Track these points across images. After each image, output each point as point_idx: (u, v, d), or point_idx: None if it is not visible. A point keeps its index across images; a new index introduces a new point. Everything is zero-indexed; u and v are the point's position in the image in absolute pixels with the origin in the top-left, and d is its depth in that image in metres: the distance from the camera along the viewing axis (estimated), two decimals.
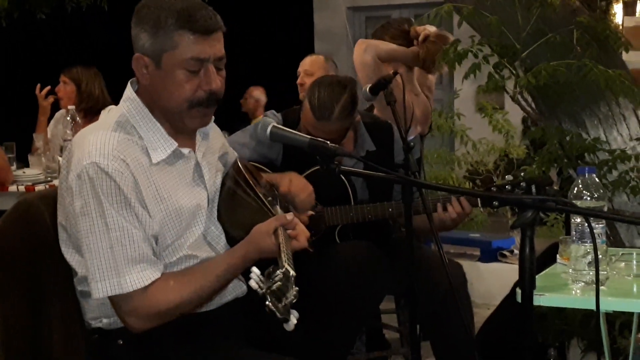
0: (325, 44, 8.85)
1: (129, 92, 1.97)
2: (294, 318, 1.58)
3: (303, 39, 8.79)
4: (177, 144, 1.93)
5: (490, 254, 4.69)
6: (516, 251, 4.70)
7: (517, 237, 4.83)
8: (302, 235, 1.93)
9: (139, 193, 1.84)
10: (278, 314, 1.56)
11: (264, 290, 1.58)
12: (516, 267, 4.66)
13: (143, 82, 1.92)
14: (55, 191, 1.95)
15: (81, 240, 1.83)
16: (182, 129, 1.96)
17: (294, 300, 1.59)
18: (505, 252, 4.70)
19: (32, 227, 1.93)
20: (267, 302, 1.56)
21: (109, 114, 1.99)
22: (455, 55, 2.74)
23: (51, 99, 4.68)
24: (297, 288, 1.61)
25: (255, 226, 1.90)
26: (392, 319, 3.49)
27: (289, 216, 1.91)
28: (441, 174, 5.12)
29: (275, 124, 1.95)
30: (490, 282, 4.29)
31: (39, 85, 4.67)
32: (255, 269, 1.62)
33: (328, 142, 1.89)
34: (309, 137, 1.91)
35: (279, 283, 1.59)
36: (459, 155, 5.31)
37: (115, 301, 1.85)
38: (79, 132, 1.97)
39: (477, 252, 4.76)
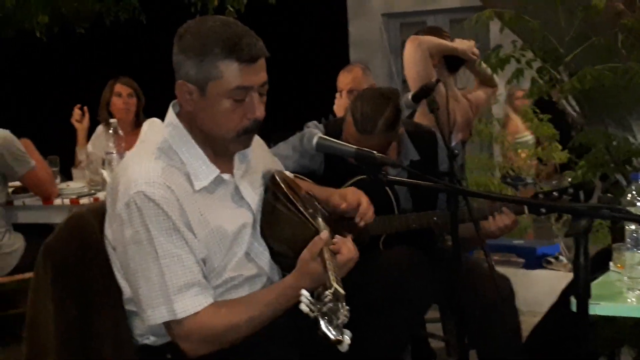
0: (360, 51, 8.84)
1: (171, 116, 1.97)
2: (347, 338, 1.56)
3: (338, 47, 8.79)
4: (219, 171, 1.94)
5: (535, 261, 4.63)
6: (561, 257, 4.64)
7: (561, 243, 4.77)
8: (346, 247, 1.91)
9: (185, 218, 1.85)
10: (332, 337, 1.54)
11: (315, 313, 1.57)
12: (562, 273, 4.62)
13: (187, 108, 1.92)
14: (105, 204, 1.97)
15: (132, 268, 1.85)
16: (222, 153, 1.97)
17: (346, 321, 1.57)
18: (550, 259, 4.64)
19: (84, 241, 1.97)
20: (320, 326, 1.54)
21: (151, 139, 1.98)
22: (497, 60, 2.71)
23: (85, 121, 4.72)
24: (348, 307, 1.59)
25: (299, 250, 1.88)
26: (437, 328, 3.46)
27: (324, 234, 1.89)
28: (482, 179, 5.08)
29: (322, 135, 1.95)
30: (536, 289, 4.23)
31: (77, 112, 4.71)
32: (304, 292, 1.60)
33: (374, 152, 1.88)
34: (355, 147, 1.90)
35: (329, 304, 1.58)
36: (499, 160, 5.27)
37: (169, 327, 1.86)
38: (123, 160, 1.98)
39: (522, 259, 4.70)
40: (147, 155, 1.90)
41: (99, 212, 1.98)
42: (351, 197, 2.18)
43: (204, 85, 1.86)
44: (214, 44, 1.84)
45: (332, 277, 1.70)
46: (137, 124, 4.78)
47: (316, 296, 1.60)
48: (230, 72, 1.84)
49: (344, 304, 1.60)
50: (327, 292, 1.60)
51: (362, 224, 2.15)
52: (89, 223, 1.98)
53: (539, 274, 4.59)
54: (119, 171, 1.92)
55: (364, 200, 2.17)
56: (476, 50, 3.42)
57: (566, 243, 4.79)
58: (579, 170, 3.15)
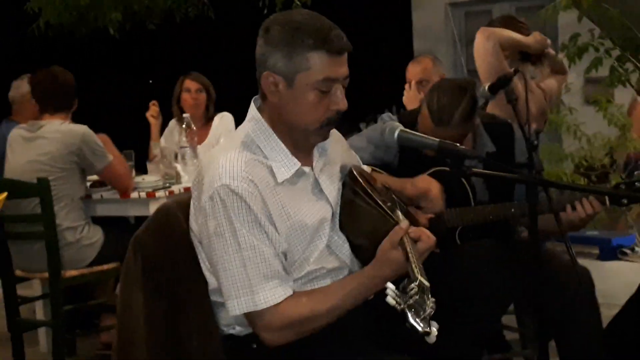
0: (424, 41, 8.78)
1: (253, 111, 2.00)
2: (434, 330, 1.58)
3: (402, 37, 8.74)
4: (300, 164, 1.97)
5: (610, 252, 4.55)
6: (637, 249, 4.55)
7: (637, 234, 4.67)
8: (425, 234, 1.92)
9: (267, 211, 1.89)
10: (420, 329, 1.56)
11: (402, 306, 1.59)
12: (638, 265, 4.51)
13: (272, 100, 1.95)
14: (189, 197, 2.02)
15: (215, 260, 1.89)
16: (303, 146, 1.99)
17: (432, 312, 1.59)
18: (625, 250, 4.55)
19: (172, 233, 2.02)
20: (408, 318, 1.57)
21: (234, 135, 2.03)
22: (576, 49, 2.67)
23: (159, 117, 4.82)
24: (433, 299, 1.61)
25: (380, 244, 1.89)
26: (511, 320, 3.44)
27: (404, 224, 1.90)
28: (552, 170, 5.00)
29: (403, 128, 1.96)
30: (612, 280, 4.15)
31: (152, 108, 4.80)
32: (390, 285, 1.62)
33: (457, 144, 1.88)
34: (438, 140, 1.90)
35: (415, 297, 1.59)
36: (570, 150, 5.17)
37: (250, 317, 1.90)
38: (208, 154, 2.02)
39: (596, 251, 4.62)
40: (231, 149, 1.94)
41: (184, 204, 2.03)
42: (420, 184, 2.18)
43: (293, 77, 1.89)
44: (304, 36, 1.86)
45: (416, 270, 1.71)
46: (208, 119, 4.88)
47: (401, 289, 1.62)
48: (319, 63, 1.87)
49: (430, 295, 1.61)
50: (412, 285, 1.62)
51: (430, 211, 2.13)
52: (176, 216, 2.03)
53: (615, 265, 4.51)
54: (204, 166, 1.96)
55: (434, 187, 2.17)
56: (549, 45, 3.36)
57: None
58: None
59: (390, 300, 1.60)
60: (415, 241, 1.89)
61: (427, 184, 2.19)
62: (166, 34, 6.24)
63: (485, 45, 3.27)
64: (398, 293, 1.61)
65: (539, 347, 2.29)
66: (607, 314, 3.36)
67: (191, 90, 4.84)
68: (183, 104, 4.85)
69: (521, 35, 3.35)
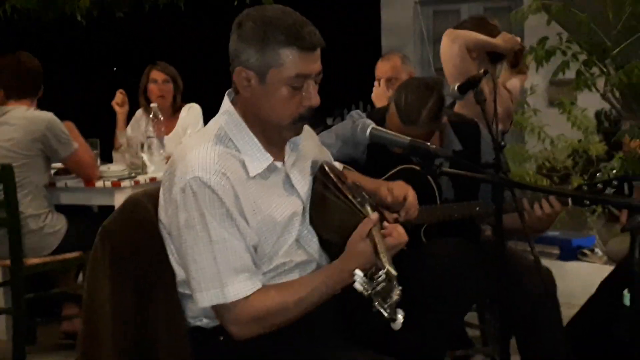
0: (392, 39, 8.82)
1: (226, 105, 2.01)
2: (400, 317, 1.62)
3: (370, 34, 8.78)
4: (272, 159, 1.98)
5: (571, 253, 4.63)
6: (597, 250, 4.63)
7: (597, 235, 4.75)
8: (396, 231, 1.95)
9: (239, 205, 1.89)
10: (385, 314, 1.60)
11: (369, 292, 1.62)
12: (597, 266, 4.59)
13: (244, 95, 1.95)
14: (159, 188, 2.01)
15: (185, 252, 1.89)
16: (275, 141, 2.00)
17: (399, 299, 1.62)
18: (585, 251, 4.63)
19: (141, 224, 2.01)
20: (374, 304, 1.60)
21: (207, 127, 2.02)
22: (543, 52, 2.71)
23: (125, 105, 4.77)
24: (400, 287, 1.64)
25: (348, 238, 1.91)
26: (473, 316, 3.49)
27: (374, 216, 1.92)
28: (516, 171, 5.07)
29: (375, 126, 1.97)
30: (572, 281, 4.22)
31: (119, 96, 4.76)
32: (358, 272, 1.66)
33: (428, 143, 1.90)
34: (409, 138, 1.93)
35: (383, 284, 1.63)
36: (534, 151, 5.24)
37: (218, 310, 1.91)
38: (180, 146, 2.02)
39: (557, 251, 4.70)
40: (204, 142, 1.94)
41: (154, 196, 2.03)
42: (398, 191, 2.21)
43: (265, 72, 1.90)
44: (276, 32, 1.87)
45: (383, 259, 1.74)
46: (175, 109, 4.85)
47: (369, 276, 1.66)
48: (291, 59, 1.88)
49: (397, 284, 1.64)
50: (380, 273, 1.65)
51: (405, 218, 2.16)
52: (145, 207, 2.02)
53: (574, 266, 4.58)
54: (177, 157, 1.96)
55: (411, 195, 2.19)
56: (519, 43, 3.41)
57: (601, 235, 4.78)
58: (615, 162, 3.15)
59: (357, 286, 1.63)
60: (384, 236, 1.91)
61: (403, 192, 2.21)
62: (134, 23, 6.20)
63: (451, 47, 3.31)
64: (366, 280, 1.64)
65: (500, 344, 2.33)
66: (567, 313, 3.42)
67: (158, 81, 4.80)
68: (149, 94, 4.81)
69: (486, 37, 3.39)
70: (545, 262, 4.20)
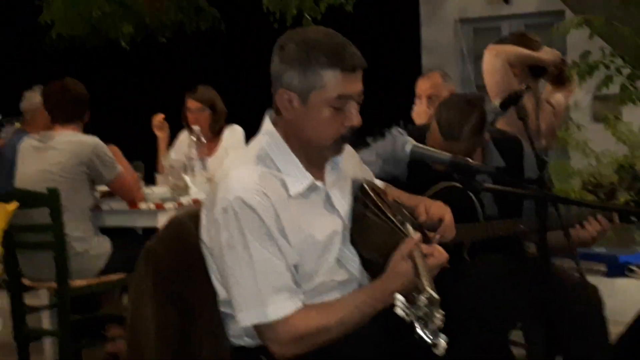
0: (432, 57, 8.80)
1: (267, 125, 2.02)
2: (443, 342, 1.60)
3: (410, 52, 8.77)
4: (312, 178, 1.98)
5: (618, 269, 4.55)
6: None
7: None
8: (437, 250, 1.93)
9: (279, 224, 1.90)
10: (428, 341, 1.58)
11: (411, 318, 1.61)
12: None
13: (287, 116, 1.96)
14: (200, 209, 2.03)
15: (227, 271, 1.91)
16: (316, 161, 2.01)
17: (442, 325, 1.60)
18: (633, 267, 4.55)
19: (184, 245, 2.03)
20: (417, 330, 1.59)
21: (249, 148, 2.04)
22: (586, 66, 2.68)
23: (165, 129, 4.81)
24: (442, 312, 1.62)
25: (389, 257, 1.90)
26: (517, 335, 3.43)
27: (416, 236, 1.91)
28: (560, 187, 5.00)
29: (415, 142, 1.97)
30: (619, 298, 4.14)
31: (157, 120, 4.80)
32: (399, 297, 1.64)
33: (468, 159, 1.89)
34: (450, 155, 1.91)
35: (425, 309, 1.61)
36: (579, 167, 5.17)
37: (260, 329, 1.91)
38: (222, 167, 2.03)
39: (603, 268, 4.62)
40: (245, 162, 1.96)
41: (196, 217, 2.04)
42: (434, 211, 2.18)
43: (307, 94, 1.91)
44: (319, 54, 1.88)
45: (425, 282, 1.72)
46: (216, 132, 4.86)
47: (410, 301, 1.64)
48: (334, 81, 1.89)
49: (439, 308, 1.62)
50: (421, 297, 1.64)
51: (439, 240, 2.13)
52: (188, 227, 2.04)
53: (622, 283, 4.50)
54: (218, 178, 1.98)
55: (448, 216, 2.17)
56: (560, 57, 3.37)
57: None
58: None
59: (399, 311, 1.62)
60: (425, 255, 1.90)
61: (441, 212, 2.19)
62: (177, 47, 6.29)
63: (493, 62, 3.29)
64: (407, 305, 1.63)
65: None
66: (615, 331, 3.35)
67: (192, 109, 4.81)
68: (189, 121, 4.83)
69: (529, 51, 3.36)
70: (592, 279, 4.12)
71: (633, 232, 4.74)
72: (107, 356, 4.18)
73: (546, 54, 3.36)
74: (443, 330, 1.62)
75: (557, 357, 2.66)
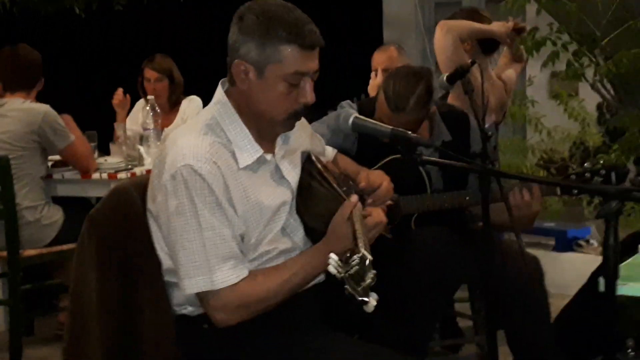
0: (393, 31, 8.80)
1: (220, 95, 2.02)
2: (373, 300, 1.64)
3: (372, 26, 8.76)
4: (262, 151, 1.99)
5: (566, 244, 4.64)
6: (592, 241, 4.63)
7: (592, 226, 4.76)
8: (375, 211, 1.97)
9: (228, 194, 1.91)
10: (357, 297, 1.62)
11: (342, 275, 1.65)
12: (592, 257, 4.62)
13: (241, 87, 1.96)
14: (147, 178, 2.03)
15: (174, 238, 1.91)
16: (267, 134, 2.02)
17: (372, 283, 1.65)
18: (581, 242, 4.64)
19: (127, 213, 2.03)
20: (346, 286, 1.63)
21: (199, 116, 2.04)
22: (533, 42, 2.72)
23: (127, 102, 4.75)
24: (374, 271, 1.66)
25: (332, 218, 1.93)
26: (465, 307, 3.50)
27: (354, 198, 1.95)
28: (514, 162, 5.07)
29: (357, 115, 1.99)
30: (566, 271, 4.24)
31: (118, 94, 4.73)
32: (333, 255, 1.68)
33: (409, 132, 1.92)
34: (390, 127, 1.94)
35: (356, 267, 1.65)
36: (532, 143, 5.25)
37: (204, 297, 1.92)
38: (171, 134, 2.03)
39: (552, 242, 4.70)
40: (195, 130, 1.96)
41: (141, 185, 2.05)
42: (374, 178, 2.22)
43: (263, 67, 1.91)
44: (278, 28, 1.88)
45: (360, 243, 1.76)
46: (173, 103, 4.83)
47: (344, 260, 1.68)
48: (291, 57, 1.89)
49: (371, 268, 1.66)
50: (355, 256, 1.68)
51: (372, 205, 2.16)
52: (132, 196, 2.04)
53: (569, 257, 4.59)
54: (168, 144, 1.97)
55: (386, 183, 2.21)
56: (511, 28, 3.35)
57: (598, 227, 4.78)
58: (612, 153, 3.15)
59: (331, 268, 1.66)
60: (365, 217, 1.93)
61: (380, 180, 2.22)
62: (134, 15, 6.21)
63: (444, 39, 3.31)
64: (340, 263, 1.66)
65: (487, 334, 2.34)
66: (561, 304, 3.44)
67: (150, 80, 4.76)
68: (147, 91, 4.78)
69: (480, 24, 3.37)
70: (541, 253, 4.21)
71: (582, 207, 4.83)
72: (59, 325, 4.16)
73: (497, 27, 3.37)
74: (387, 291, 1.66)
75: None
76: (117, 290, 2.02)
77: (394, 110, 2.70)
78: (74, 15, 5.95)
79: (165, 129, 4.41)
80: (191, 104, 4.87)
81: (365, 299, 1.62)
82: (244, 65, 1.93)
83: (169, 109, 4.79)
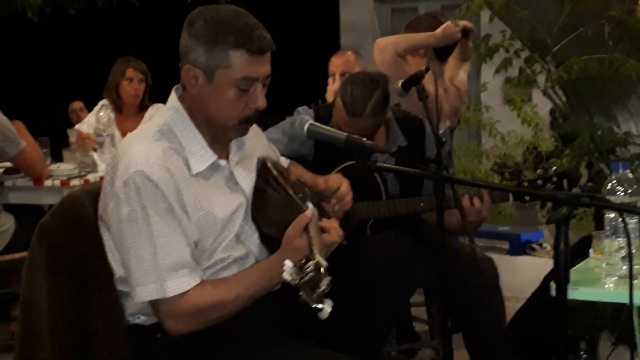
0: (351, 37, 8.85)
1: (173, 100, 2.00)
2: (327, 307, 1.64)
3: (329, 32, 8.80)
4: (216, 157, 1.98)
5: (519, 248, 4.70)
6: (545, 244, 4.71)
7: (545, 230, 4.83)
8: (334, 228, 1.97)
9: (181, 200, 1.89)
10: (312, 303, 1.62)
11: (297, 282, 1.64)
12: (545, 260, 4.69)
13: (191, 92, 1.96)
14: (99, 186, 2.00)
15: (126, 246, 1.89)
16: (220, 139, 2.01)
17: (327, 290, 1.65)
18: (534, 246, 4.71)
19: (78, 221, 1.99)
20: (300, 293, 1.63)
21: (152, 122, 2.03)
22: (486, 49, 2.75)
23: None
24: (329, 277, 1.66)
25: (286, 230, 1.92)
26: (421, 312, 3.52)
27: (309, 212, 1.94)
28: (469, 167, 5.13)
29: (312, 122, 1.99)
30: (519, 275, 4.30)
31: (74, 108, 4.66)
32: (288, 262, 1.68)
33: (364, 138, 1.92)
34: (345, 134, 1.94)
35: (311, 274, 1.65)
36: (486, 148, 5.31)
37: (155, 305, 1.90)
38: (123, 140, 2.01)
39: (506, 246, 4.77)
40: (148, 136, 1.94)
41: (92, 193, 2.01)
42: (332, 182, 2.23)
43: (212, 72, 1.90)
44: (226, 33, 1.87)
45: (315, 250, 1.76)
46: (143, 108, 4.77)
47: (299, 267, 1.67)
48: (240, 62, 1.89)
49: (326, 274, 1.66)
50: (309, 263, 1.67)
51: (337, 207, 2.17)
52: (83, 204, 2.01)
53: (523, 260, 4.66)
54: (120, 151, 1.95)
55: (345, 185, 2.21)
56: (458, 32, 3.30)
57: (551, 230, 4.86)
58: (564, 158, 3.21)
59: (286, 275, 1.65)
60: (323, 231, 1.93)
61: (338, 182, 2.23)
62: (88, 20, 6.16)
63: (381, 56, 3.32)
64: (295, 270, 1.66)
65: (442, 337, 2.37)
66: (515, 307, 3.48)
67: (134, 80, 4.68)
68: (122, 92, 4.65)
69: (422, 34, 3.33)
70: (495, 256, 4.23)
71: (536, 211, 4.90)
72: (11, 335, 4.09)
73: (443, 31, 3.27)
74: (342, 302, 1.66)
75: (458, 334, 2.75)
76: (68, 299, 1.98)
77: (351, 115, 2.71)
78: (26, 20, 5.88)
79: (129, 134, 4.38)
80: (157, 112, 4.80)
81: (320, 305, 1.62)
82: (193, 70, 1.92)
83: (137, 112, 4.71)
